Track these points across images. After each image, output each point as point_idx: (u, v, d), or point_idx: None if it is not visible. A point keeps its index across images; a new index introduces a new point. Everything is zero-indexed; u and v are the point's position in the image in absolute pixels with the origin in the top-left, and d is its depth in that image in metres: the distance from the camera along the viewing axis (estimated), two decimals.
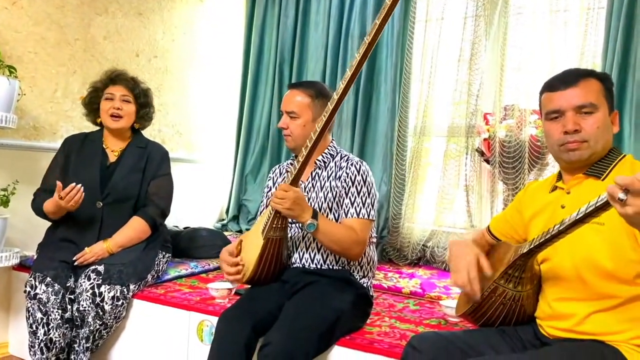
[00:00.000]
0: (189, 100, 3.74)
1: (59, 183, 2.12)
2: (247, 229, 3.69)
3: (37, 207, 2.30)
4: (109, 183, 2.33)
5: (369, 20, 3.37)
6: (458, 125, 3.07)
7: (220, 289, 2.18)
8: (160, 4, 3.47)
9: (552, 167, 2.79)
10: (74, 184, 2.12)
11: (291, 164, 2.10)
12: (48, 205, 2.22)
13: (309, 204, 1.95)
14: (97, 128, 2.50)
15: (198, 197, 3.74)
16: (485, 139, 2.94)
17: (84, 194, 2.14)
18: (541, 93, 1.53)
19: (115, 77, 2.43)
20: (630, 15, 2.57)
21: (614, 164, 1.43)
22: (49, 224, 2.38)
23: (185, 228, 3.19)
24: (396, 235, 3.18)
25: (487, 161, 2.96)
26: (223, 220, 3.97)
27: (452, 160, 3.09)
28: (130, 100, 2.40)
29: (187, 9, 3.68)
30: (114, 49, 3.18)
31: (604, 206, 1.13)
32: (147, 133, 2.60)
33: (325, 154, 2.01)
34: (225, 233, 3.45)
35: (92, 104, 2.45)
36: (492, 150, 2.90)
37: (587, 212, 1.17)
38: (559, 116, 1.45)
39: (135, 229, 2.30)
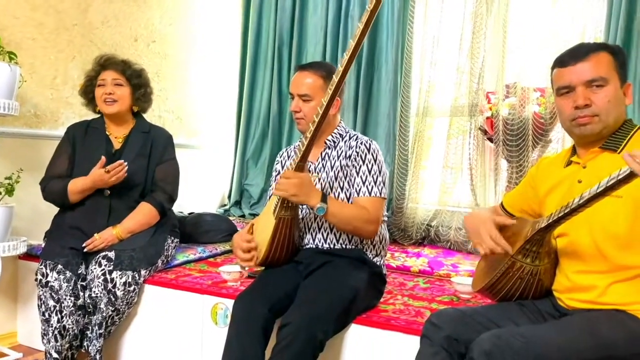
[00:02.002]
0: (188, 85, 3.71)
1: (103, 158, 2.18)
2: (250, 214, 3.70)
3: (53, 191, 2.28)
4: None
5: (369, 1, 3.33)
6: (461, 105, 3.07)
7: (232, 272, 2.18)
8: None
9: (556, 143, 2.81)
10: (121, 160, 2.20)
11: (298, 146, 2.09)
12: (77, 184, 2.23)
13: (320, 184, 1.95)
14: (98, 115, 2.48)
15: (199, 183, 3.73)
16: (488, 118, 2.95)
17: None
18: (552, 69, 1.53)
19: (105, 63, 2.40)
20: None
21: (629, 136, 1.43)
22: (54, 212, 2.36)
23: (190, 213, 3.18)
24: (400, 215, 3.20)
25: (490, 139, 2.96)
26: (225, 205, 3.96)
27: (455, 140, 3.10)
28: (123, 83, 2.37)
29: None
30: (112, 34, 3.14)
31: (627, 178, 1.15)
32: (147, 119, 2.57)
33: (335, 134, 2.00)
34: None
35: (88, 94, 2.43)
36: (495, 129, 2.90)
37: (608, 185, 1.18)
38: (569, 91, 1.45)
39: (144, 214, 2.29)
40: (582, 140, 1.49)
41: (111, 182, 2.19)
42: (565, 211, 1.31)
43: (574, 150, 1.55)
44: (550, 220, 1.36)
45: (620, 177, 1.16)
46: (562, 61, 1.48)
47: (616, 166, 1.38)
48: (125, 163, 2.19)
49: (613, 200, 1.35)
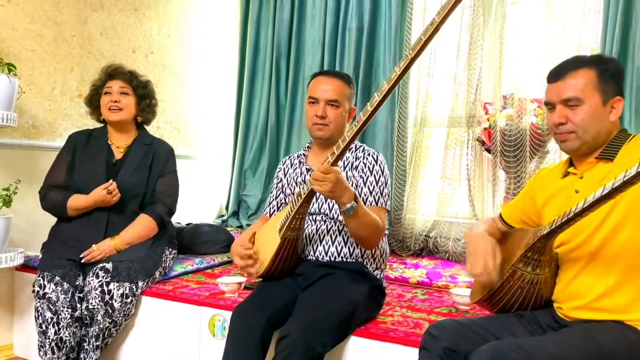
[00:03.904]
0: (186, 96, 3.72)
1: (111, 182, 2.21)
2: (248, 224, 3.70)
3: (53, 203, 2.28)
4: (115, 180, 2.30)
5: (366, 12, 3.36)
6: (458, 116, 3.08)
7: (230, 284, 2.17)
8: None
9: (553, 154, 2.82)
10: (112, 181, 2.21)
11: (304, 154, 2.08)
12: (78, 202, 2.24)
13: None
14: (101, 125, 2.48)
15: (197, 194, 3.72)
16: (485, 129, 2.96)
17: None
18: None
19: (112, 72, 2.42)
20: (628, 3, 2.60)
21: (623, 145, 1.45)
22: (51, 223, 2.36)
23: (187, 224, 3.17)
24: (398, 226, 3.20)
25: (488, 150, 2.98)
26: (223, 216, 3.95)
27: (452, 151, 3.11)
28: (129, 92, 2.39)
29: (182, 3, 3.65)
30: (110, 45, 3.15)
31: (633, 179, 1.15)
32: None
33: None
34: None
35: (93, 102, 2.44)
36: (493, 140, 2.91)
37: (614, 187, 1.19)
38: (552, 107, 1.50)
39: (143, 226, 2.29)
40: (568, 154, 1.53)
41: (113, 201, 2.22)
42: (569, 216, 1.31)
43: (570, 162, 1.57)
44: (553, 227, 1.36)
45: (626, 178, 1.16)
46: (548, 77, 1.53)
47: (612, 175, 1.39)
48: (112, 182, 2.22)
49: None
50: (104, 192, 2.19)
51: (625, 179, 1.15)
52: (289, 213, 1.80)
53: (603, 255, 1.39)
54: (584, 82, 1.44)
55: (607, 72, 1.45)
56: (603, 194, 1.20)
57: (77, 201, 2.24)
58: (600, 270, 1.39)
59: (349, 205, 1.70)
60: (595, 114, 1.43)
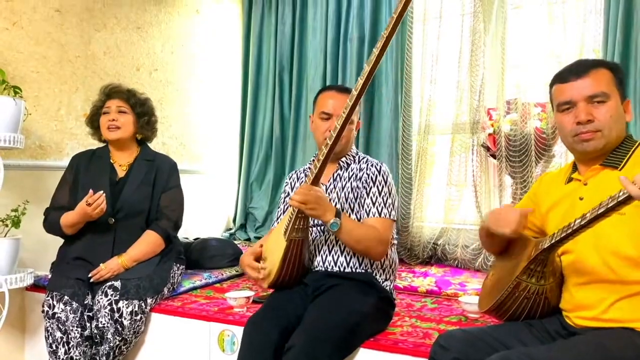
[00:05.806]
0: (191, 112, 3.75)
1: (91, 191, 2.15)
2: (256, 237, 3.70)
3: (51, 224, 2.31)
4: (119, 198, 2.32)
5: (367, 22, 3.38)
6: (462, 122, 3.08)
7: (239, 298, 2.17)
8: (157, 17, 3.48)
9: (559, 158, 2.81)
10: (100, 192, 2.16)
11: (309, 168, 2.10)
12: (68, 218, 2.23)
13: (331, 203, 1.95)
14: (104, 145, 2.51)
15: (204, 208, 3.74)
16: (490, 134, 2.95)
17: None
18: (551, 85, 1.53)
19: (110, 92, 2.45)
20: (629, 4, 2.59)
21: (630, 152, 1.43)
22: (60, 243, 2.37)
23: (195, 239, 3.18)
24: (406, 235, 3.19)
25: (494, 156, 2.96)
26: (230, 229, 3.96)
27: (458, 157, 3.10)
28: (127, 110, 2.41)
29: (184, 20, 3.69)
30: (114, 64, 3.18)
31: (626, 200, 1.15)
32: (151, 145, 2.59)
33: (348, 155, 2.02)
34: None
35: (93, 122, 2.48)
36: (498, 145, 2.90)
37: (609, 206, 1.19)
38: (570, 107, 1.45)
39: (149, 242, 2.30)
40: (584, 157, 1.48)
41: (95, 214, 2.16)
42: (568, 232, 1.31)
43: (574, 167, 1.54)
44: (553, 241, 1.36)
45: (620, 198, 1.17)
46: (562, 77, 1.48)
47: (617, 183, 1.37)
48: (102, 193, 2.16)
49: (616, 217, 1.34)
50: (84, 204, 2.15)
51: (620, 199, 1.15)
52: (291, 214, 1.82)
53: (608, 266, 1.36)
54: (608, 78, 1.43)
55: (618, 75, 1.47)
56: (599, 212, 1.20)
57: (67, 218, 2.24)
58: (606, 284, 1.37)
59: (332, 221, 1.76)
60: (618, 111, 1.42)
